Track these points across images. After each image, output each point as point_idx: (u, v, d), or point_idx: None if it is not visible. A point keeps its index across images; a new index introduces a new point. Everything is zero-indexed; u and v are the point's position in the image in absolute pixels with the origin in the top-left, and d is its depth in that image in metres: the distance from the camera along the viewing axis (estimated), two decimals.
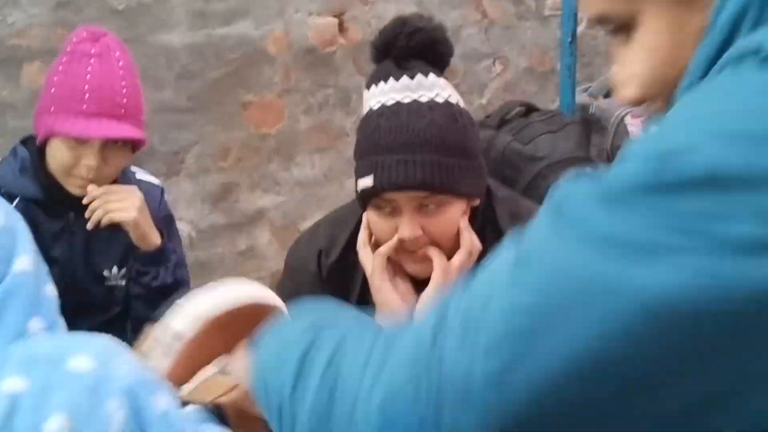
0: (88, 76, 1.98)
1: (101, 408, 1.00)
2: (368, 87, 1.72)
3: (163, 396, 1.06)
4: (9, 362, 0.99)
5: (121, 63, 2.02)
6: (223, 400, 1.11)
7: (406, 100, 1.65)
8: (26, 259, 1.04)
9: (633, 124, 3.55)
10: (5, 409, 0.97)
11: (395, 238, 1.69)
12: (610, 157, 3.53)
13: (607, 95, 3.71)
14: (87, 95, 1.97)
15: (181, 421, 1.06)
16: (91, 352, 1.02)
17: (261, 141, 3.30)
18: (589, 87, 3.83)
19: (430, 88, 1.66)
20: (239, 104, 3.22)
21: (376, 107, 1.68)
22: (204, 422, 1.11)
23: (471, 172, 1.68)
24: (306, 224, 3.44)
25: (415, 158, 1.62)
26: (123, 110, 1.99)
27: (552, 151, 3.26)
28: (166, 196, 2.29)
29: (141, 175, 2.23)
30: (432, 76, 1.68)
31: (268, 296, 1.26)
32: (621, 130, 3.53)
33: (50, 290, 1.06)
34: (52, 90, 2.01)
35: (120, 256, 2.12)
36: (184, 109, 3.07)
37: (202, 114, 3.12)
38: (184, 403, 1.14)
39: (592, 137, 3.52)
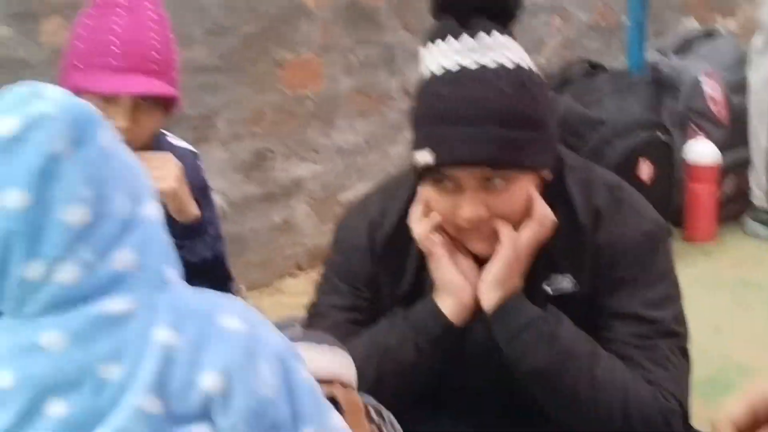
0: (117, 28, 2.00)
1: (255, 369, 1.05)
2: (426, 45, 1.71)
3: (304, 367, 1.12)
4: (158, 312, 1.04)
5: (153, 15, 2.03)
6: None
7: (472, 66, 1.64)
8: (153, 206, 1.09)
9: (710, 85, 3.54)
10: (160, 361, 1.02)
11: (447, 212, 1.69)
12: (682, 121, 3.52)
13: (679, 52, 3.69)
14: (116, 49, 1.98)
15: (323, 399, 1.12)
16: (238, 313, 1.07)
17: (297, 104, 3.32)
18: (660, 43, 3.81)
19: (496, 49, 1.65)
20: (274, 63, 3.23)
21: (437, 72, 1.68)
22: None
23: (541, 144, 1.68)
24: (346, 195, 3.47)
25: (479, 131, 1.62)
26: (155, 65, 2.01)
27: (619, 113, 3.27)
28: (202, 164, 2.31)
29: (174, 140, 2.25)
30: (497, 35, 1.67)
31: (344, 373, 1.33)
32: (697, 91, 3.52)
33: (169, 240, 1.10)
34: (79, 45, 2.02)
35: None
36: (214, 68, 3.09)
37: (233, 74, 3.14)
38: None
39: (664, 99, 3.52)
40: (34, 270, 1.02)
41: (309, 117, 3.35)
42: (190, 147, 2.32)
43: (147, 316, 1.04)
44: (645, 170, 3.21)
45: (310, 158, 3.40)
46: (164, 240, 1.09)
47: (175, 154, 2.16)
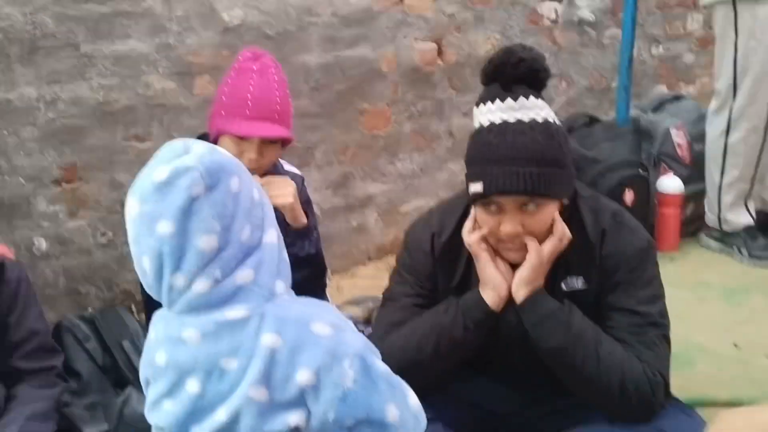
0: (251, 87, 2.00)
1: (339, 366, 1.02)
2: (477, 105, 1.68)
3: (379, 358, 1.08)
4: (266, 319, 1.01)
5: (276, 78, 2.03)
6: None
7: (511, 120, 1.62)
8: (274, 232, 1.06)
9: (677, 135, 3.46)
10: (266, 359, 1.00)
11: (491, 227, 1.66)
12: (656, 161, 3.45)
13: (654, 110, 3.62)
14: (250, 103, 1.99)
15: (399, 382, 1.08)
16: (328, 321, 1.04)
17: (373, 141, 3.30)
18: (639, 103, 3.74)
19: (531, 108, 1.62)
20: (357, 111, 3.22)
21: (486, 124, 1.65)
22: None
23: (564, 178, 1.65)
24: (405, 208, 3.45)
25: (518, 170, 1.59)
26: (277, 115, 2.01)
27: (611, 154, 3.20)
28: (306, 184, 2.29)
29: (287, 166, 2.24)
30: (532, 98, 1.64)
31: None
32: (668, 139, 3.44)
33: (286, 257, 1.08)
34: (223, 98, 2.03)
35: None
36: (315, 114, 3.08)
37: (328, 119, 3.13)
38: None
39: (643, 144, 3.44)
40: (178, 280, 1.01)
41: (380, 150, 3.33)
42: (299, 171, 2.31)
43: (257, 322, 1.02)
44: (629, 197, 3.17)
45: (380, 180, 3.37)
46: (277, 259, 1.07)
47: (288, 177, 2.15)
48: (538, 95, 1.66)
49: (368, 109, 3.24)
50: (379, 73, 3.23)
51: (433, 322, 1.73)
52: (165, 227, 0.99)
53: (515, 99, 1.62)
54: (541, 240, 1.67)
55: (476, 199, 1.66)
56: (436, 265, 1.80)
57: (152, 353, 1.07)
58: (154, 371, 1.06)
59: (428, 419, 1.76)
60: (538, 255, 1.66)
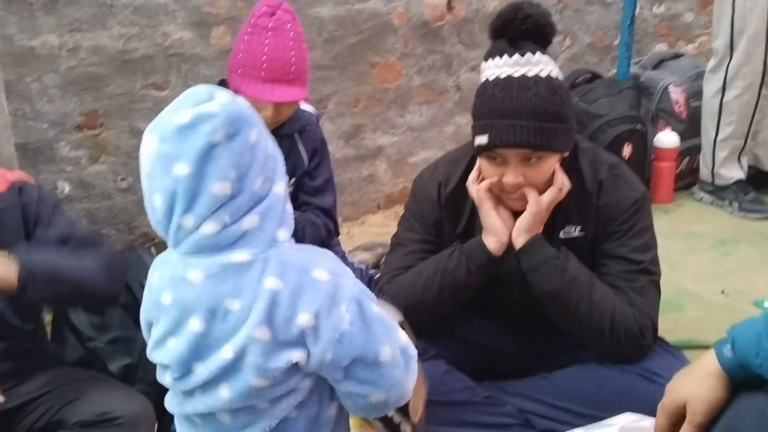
0: (266, 48, 1.97)
1: (337, 310, 1.03)
2: (486, 59, 1.68)
3: (374, 303, 1.09)
4: (269, 264, 1.02)
5: (291, 34, 2.00)
6: None
7: (516, 74, 1.61)
8: (282, 184, 1.07)
9: (675, 92, 3.43)
10: (268, 302, 1.01)
11: (494, 178, 1.68)
12: (654, 117, 3.43)
13: (654, 67, 3.59)
14: (264, 65, 1.96)
15: (391, 323, 1.09)
16: (327, 267, 1.05)
17: (383, 93, 3.28)
18: (640, 60, 3.70)
19: (536, 64, 1.62)
20: (369, 64, 3.19)
21: (491, 78, 1.64)
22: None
23: (565, 133, 1.65)
24: (413, 159, 3.45)
25: (522, 123, 1.59)
26: (292, 75, 1.99)
27: (611, 110, 3.18)
28: (321, 123, 2.29)
29: (303, 105, 2.24)
30: (538, 54, 1.63)
31: None
32: (666, 96, 3.42)
33: (290, 208, 1.08)
34: (239, 56, 2.01)
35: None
36: (328, 66, 3.06)
37: (340, 71, 3.11)
38: None
39: (642, 101, 3.42)
40: (187, 221, 1.01)
41: (390, 103, 3.31)
42: (313, 110, 2.31)
43: (261, 266, 1.02)
44: (627, 151, 3.16)
45: (390, 132, 3.36)
46: (282, 209, 1.06)
47: (302, 116, 2.15)
48: (543, 51, 1.66)
49: (379, 62, 3.22)
50: (391, 27, 3.19)
51: (438, 265, 1.76)
52: (182, 169, 0.99)
53: (522, 55, 1.62)
54: (541, 190, 1.68)
55: (481, 151, 1.67)
56: (442, 213, 1.82)
57: (157, 295, 1.07)
58: (159, 311, 1.07)
59: (431, 356, 1.81)
60: (537, 204, 1.67)
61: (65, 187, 2.58)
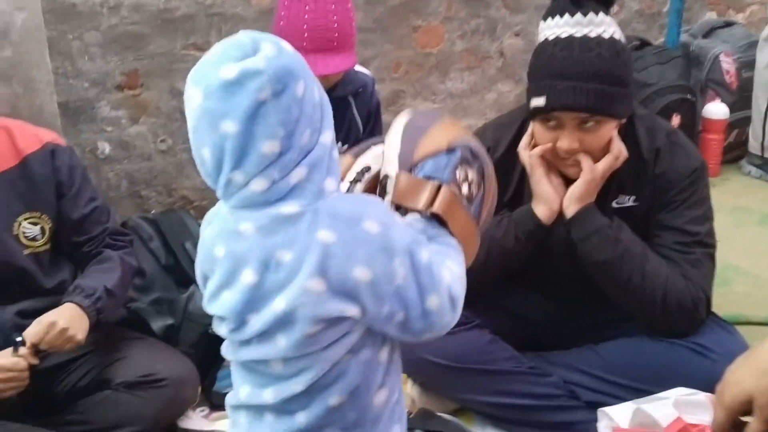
0: (306, 16, 1.91)
1: (391, 264, 1.02)
2: (545, 19, 1.63)
3: (426, 249, 1.07)
4: (319, 215, 1.01)
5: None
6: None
7: (578, 34, 1.56)
8: (329, 133, 1.05)
9: (726, 62, 3.34)
10: (321, 253, 1.00)
11: (549, 144, 1.64)
12: (704, 87, 3.35)
13: (705, 36, 3.49)
14: (306, 34, 1.91)
15: (438, 267, 1.07)
16: (377, 218, 1.03)
17: (425, 58, 3.23)
18: (689, 28, 3.61)
19: (598, 24, 1.57)
20: (410, 27, 3.14)
21: (551, 38, 1.60)
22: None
23: (625, 98, 1.60)
24: None
25: (582, 85, 1.54)
26: (335, 43, 1.93)
27: (660, 79, 3.11)
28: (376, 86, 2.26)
29: (359, 67, 2.20)
30: (601, 14, 1.58)
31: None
32: (716, 66, 3.33)
33: (337, 156, 1.07)
34: (281, 23, 1.96)
35: None
36: (369, 29, 3.01)
37: (382, 34, 3.07)
38: None
39: (692, 70, 3.33)
40: (237, 177, 1.00)
41: (432, 68, 3.26)
42: (369, 72, 2.27)
43: (311, 218, 1.01)
44: (675, 121, 3.09)
45: (430, 98, 3.32)
46: (329, 158, 1.04)
47: (356, 78, 2.11)
48: (606, 12, 1.61)
49: (422, 26, 3.16)
50: None
51: (485, 232, 1.72)
52: (230, 127, 0.97)
53: (584, 14, 1.57)
54: (596, 157, 1.64)
55: (536, 113, 1.63)
56: None
57: (210, 248, 1.07)
58: (213, 263, 1.06)
59: (475, 325, 1.79)
60: (591, 172, 1.63)
61: (105, 148, 2.58)
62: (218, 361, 1.96)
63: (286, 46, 1.02)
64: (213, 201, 1.10)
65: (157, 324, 1.97)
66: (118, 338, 1.83)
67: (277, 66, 0.98)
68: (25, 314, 1.71)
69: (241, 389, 1.11)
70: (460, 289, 1.09)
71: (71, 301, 1.68)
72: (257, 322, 1.04)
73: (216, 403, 1.93)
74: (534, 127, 1.67)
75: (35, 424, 1.66)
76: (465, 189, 1.12)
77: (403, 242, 1.04)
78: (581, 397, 1.74)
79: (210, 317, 1.11)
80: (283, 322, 1.02)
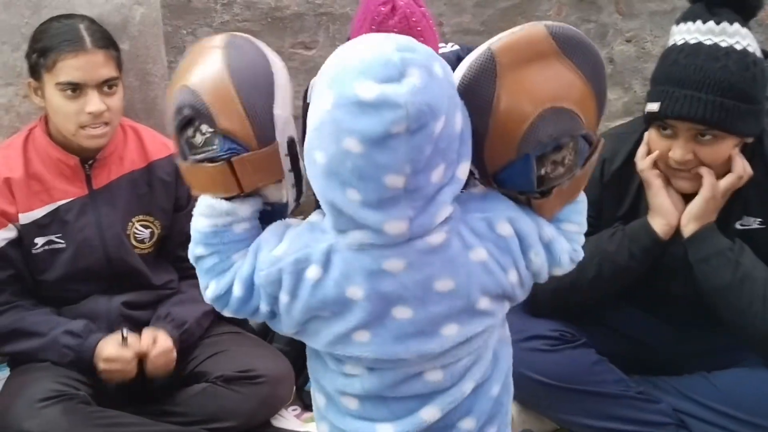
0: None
1: (527, 257, 1.03)
2: (677, 23, 1.56)
3: (548, 227, 1.05)
4: (464, 236, 1.00)
5: (418, 28, 1.84)
6: None
7: (707, 42, 1.49)
8: (466, 164, 0.97)
9: None
10: (482, 269, 0.99)
11: (660, 151, 1.57)
12: None
13: None
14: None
15: (559, 245, 1.07)
16: (505, 216, 1.01)
17: None
18: None
19: (732, 35, 1.49)
20: None
21: (679, 43, 1.53)
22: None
23: (750, 115, 1.51)
24: None
25: (700, 96, 1.47)
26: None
27: None
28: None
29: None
30: (736, 24, 1.50)
31: None
32: None
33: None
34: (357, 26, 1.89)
35: None
36: (477, 31, 2.97)
37: (489, 36, 2.96)
38: None
39: None
40: (352, 195, 0.93)
41: None
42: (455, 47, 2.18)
43: (459, 241, 0.98)
44: None
45: None
46: (460, 187, 0.98)
47: (443, 56, 2.02)
48: (743, 24, 1.52)
49: None
50: None
51: (597, 246, 1.66)
52: (353, 146, 0.89)
53: (717, 23, 1.49)
54: (715, 173, 1.56)
55: (651, 119, 1.56)
56: (603, 193, 1.72)
57: (339, 291, 0.98)
58: (343, 306, 0.98)
59: (581, 344, 1.73)
60: (712, 189, 1.55)
61: None
62: None
63: (439, 70, 0.92)
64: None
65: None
66: (216, 332, 1.85)
67: (420, 103, 0.89)
68: (132, 305, 1.77)
69: (379, 427, 1.04)
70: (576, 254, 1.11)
71: (163, 329, 1.74)
72: (418, 352, 1.00)
73: (308, 403, 1.92)
74: (649, 134, 1.60)
75: (132, 413, 1.70)
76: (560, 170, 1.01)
77: (529, 228, 1.02)
78: (691, 428, 1.65)
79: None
80: (459, 344, 1.01)
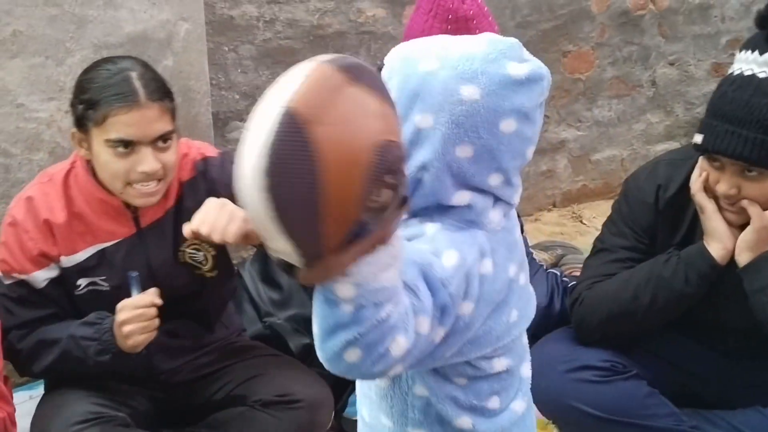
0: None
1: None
2: (740, 50, 1.51)
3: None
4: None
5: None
6: None
7: (762, 75, 1.43)
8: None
9: None
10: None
11: (705, 176, 1.54)
12: None
13: None
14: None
15: None
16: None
17: (572, 84, 3.12)
18: None
19: None
20: (560, 52, 3.05)
21: (735, 73, 1.48)
22: None
23: None
24: (596, 156, 3.26)
25: (742, 132, 1.43)
26: None
27: None
28: None
29: None
30: None
31: None
32: None
33: None
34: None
35: None
36: None
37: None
38: None
39: None
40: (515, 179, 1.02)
41: (579, 95, 3.16)
42: None
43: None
44: None
45: (575, 125, 3.20)
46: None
47: None
48: None
49: (572, 51, 3.06)
50: (588, 13, 3.03)
51: (651, 272, 1.60)
52: (508, 125, 0.94)
53: None
54: (764, 207, 1.51)
55: (697, 150, 1.52)
56: (657, 219, 1.67)
57: (503, 274, 0.98)
58: (508, 288, 0.98)
59: (632, 375, 1.67)
60: (761, 219, 1.50)
61: None
62: (351, 386, 1.91)
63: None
64: None
65: (294, 342, 1.94)
66: (255, 354, 1.81)
67: (549, 74, 0.98)
68: (172, 334, 1.73)
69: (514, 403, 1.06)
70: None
71: None
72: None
73: (347, 430, 1.87)
74: (701, 162, 1.55)
75: None
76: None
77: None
78: None
79: None
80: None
